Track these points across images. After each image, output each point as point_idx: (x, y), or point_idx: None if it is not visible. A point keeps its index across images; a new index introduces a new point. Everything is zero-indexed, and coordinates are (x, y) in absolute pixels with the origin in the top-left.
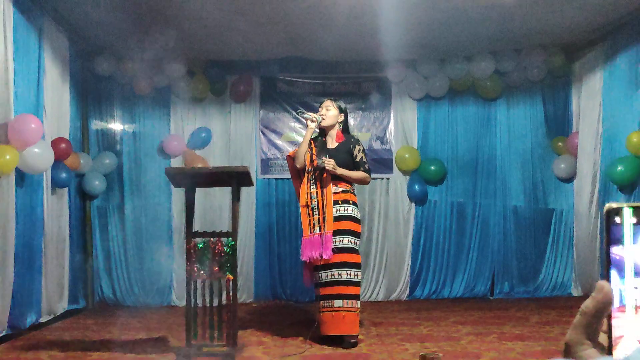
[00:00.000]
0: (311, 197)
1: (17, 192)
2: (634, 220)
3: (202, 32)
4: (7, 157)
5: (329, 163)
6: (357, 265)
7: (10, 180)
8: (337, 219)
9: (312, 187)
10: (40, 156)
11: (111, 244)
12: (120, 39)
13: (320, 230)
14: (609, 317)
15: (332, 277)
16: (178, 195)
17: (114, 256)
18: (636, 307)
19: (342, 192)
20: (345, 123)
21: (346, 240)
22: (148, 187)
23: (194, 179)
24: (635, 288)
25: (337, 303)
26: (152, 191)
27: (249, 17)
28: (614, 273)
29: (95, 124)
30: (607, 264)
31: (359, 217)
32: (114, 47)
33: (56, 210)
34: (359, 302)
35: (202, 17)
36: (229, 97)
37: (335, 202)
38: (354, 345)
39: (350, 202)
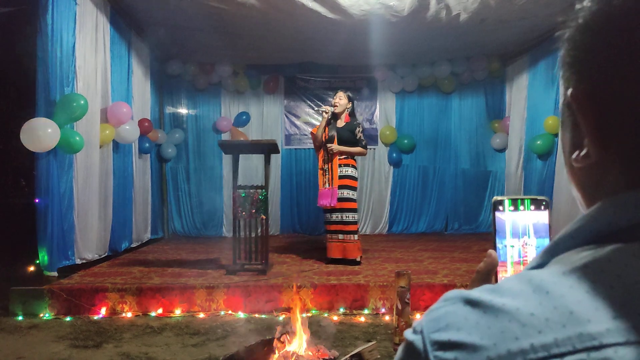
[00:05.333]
0: (324, 162)
1: (114, 157)
2: (512, 207)
3: (243, 43)
4: (107, 132)
5: (332, 148)
6: (354, 210)
7: (109, 148)
8: (341, 177)
9: (325, 155)
10: (130, 131)
11: (180, 193)
12: (185, 49)
13: (329, 185)
14: (496, 274)
15: (337, 218)
16: (227, 159)
17: (182, 201)
18: (513, 263)
19: (345, 158)
20: (352, 109)
21: (346, 193)
22: (205, 153)
23: (238, 148)
24: (512, 246)
25: (340, 237)
26: (208, 156)
27: (276, 33)
28: (498, 239)
29: (169, 109)
30: (494, 235)
31: (356, 176)
32: (181, 55)
33: (142, 170)
34: (356, 235)
35: (243, 34)
36: (262, 91)
37: (340, 166)
38: (355, 263)
39: (350, 165)
